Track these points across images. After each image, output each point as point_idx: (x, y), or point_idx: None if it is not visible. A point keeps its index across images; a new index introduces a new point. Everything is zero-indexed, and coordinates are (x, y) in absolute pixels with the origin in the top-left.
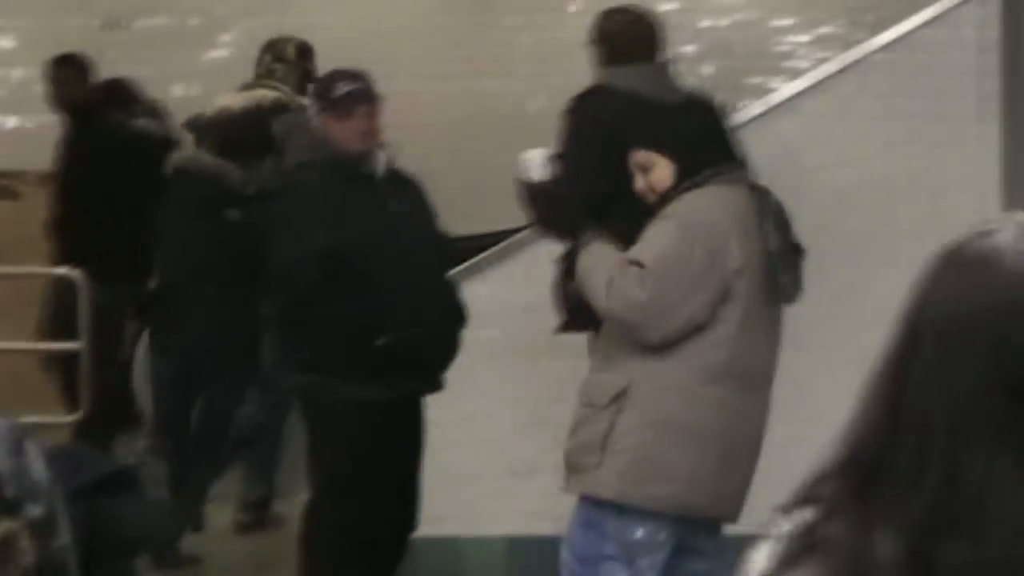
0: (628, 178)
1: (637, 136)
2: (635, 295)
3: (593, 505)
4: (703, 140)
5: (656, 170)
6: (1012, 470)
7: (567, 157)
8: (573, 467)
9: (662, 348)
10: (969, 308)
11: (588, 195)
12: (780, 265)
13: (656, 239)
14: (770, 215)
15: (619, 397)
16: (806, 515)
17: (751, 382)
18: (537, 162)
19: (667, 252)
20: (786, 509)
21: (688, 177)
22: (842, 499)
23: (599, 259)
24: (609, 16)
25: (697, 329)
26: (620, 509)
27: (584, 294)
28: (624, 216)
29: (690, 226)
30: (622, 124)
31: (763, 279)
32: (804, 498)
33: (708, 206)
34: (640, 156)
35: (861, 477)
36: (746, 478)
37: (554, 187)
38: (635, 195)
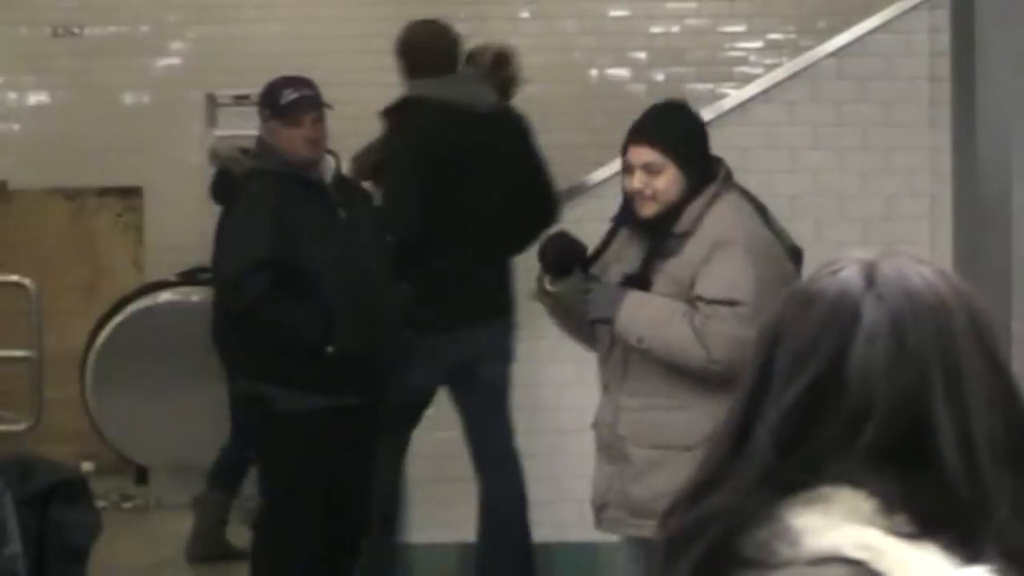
0: (444, 185)
1: (451, 144)
2: (741, 335)
3: None
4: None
5: (665, 176)
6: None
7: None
8: (650, 513)
9: None
10: (818, 340)
11: (401, 203)
12: (801, 260)
13: (735, 272)
14: (767, 213)
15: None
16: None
17: None
18: None
19: (755, 283)
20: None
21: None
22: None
23: (653, 309)
24: (409, 29)
25: None
26: None
27: (642, 345)
28: (438, 224)
29: (753, 247)
30: (435, 132)
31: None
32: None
33: (746, 220)
34: (649, 155)
35: (700, 487)
36: None
37: None
38: (451, 202)
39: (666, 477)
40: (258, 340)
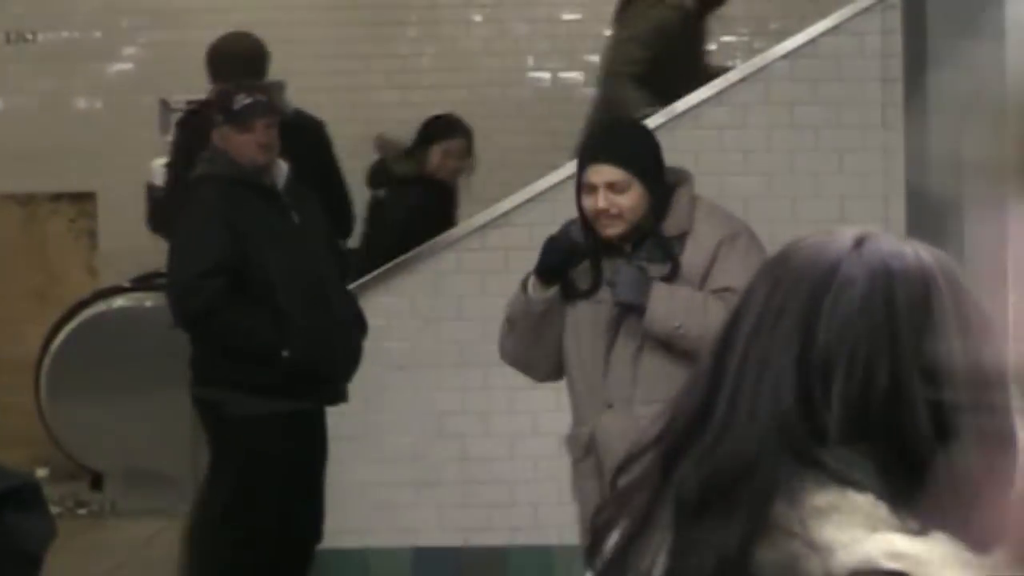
0: None
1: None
2: None
3: None
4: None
5: (630, 194)
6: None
7: (170, 167)
8: None
9: None
10: (785, 292)
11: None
12: None
13: (753, 260)
14: None
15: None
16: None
17: None
18: (159, 169)
19: None
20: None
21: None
22: (652, 468)
23: (684, 297)
24: (219, 38)
25: None
26: None
27: (678, 333)
28: None
29: (755, 237)
30: None
31: None
32: (625, 465)
33: (734, 216)
34: (613, 174)
35: (672, 442)
36: None
37: (162, 192)
38: None
39: None
40: (212, 345)
